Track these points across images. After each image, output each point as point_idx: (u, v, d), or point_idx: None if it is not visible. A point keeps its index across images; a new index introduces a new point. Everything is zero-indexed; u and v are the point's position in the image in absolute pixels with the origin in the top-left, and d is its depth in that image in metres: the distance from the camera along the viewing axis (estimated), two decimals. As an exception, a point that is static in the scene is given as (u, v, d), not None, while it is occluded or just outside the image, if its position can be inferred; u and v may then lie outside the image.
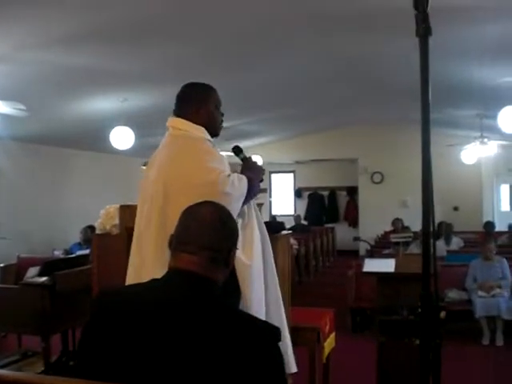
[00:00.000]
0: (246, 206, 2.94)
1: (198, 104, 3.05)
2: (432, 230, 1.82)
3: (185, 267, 1.83)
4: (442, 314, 1.74)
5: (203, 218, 1.91)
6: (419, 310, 1.77)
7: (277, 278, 3.10)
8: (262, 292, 2.93)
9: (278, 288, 3.09)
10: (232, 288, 2.75)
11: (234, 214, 2.74)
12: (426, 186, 1.81)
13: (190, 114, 3.03)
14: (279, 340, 1.76)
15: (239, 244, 2.85)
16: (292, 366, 3.06)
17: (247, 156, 3.20)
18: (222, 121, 3.21)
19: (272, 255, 3.09)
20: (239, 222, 2.86)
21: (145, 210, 2.95)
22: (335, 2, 5.37)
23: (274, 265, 3.09)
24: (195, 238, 1.86)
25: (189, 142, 2.98)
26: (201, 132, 3.01)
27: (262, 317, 2.83)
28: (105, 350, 1.74)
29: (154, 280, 1.89)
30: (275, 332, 1.77)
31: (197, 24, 5.79)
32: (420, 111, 2.00)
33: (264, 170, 3.15)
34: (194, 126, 3.00)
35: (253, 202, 3.06)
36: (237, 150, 3.23)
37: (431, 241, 1.82)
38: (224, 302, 1.84)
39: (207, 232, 1.88)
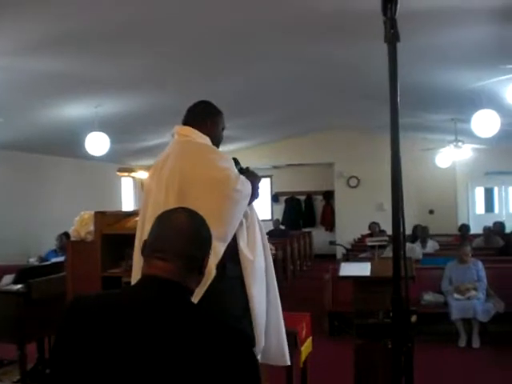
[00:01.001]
0: (248, 208, 3.17)
1: (209, 119, 3.33)
2: (403, 234, 1.83)
3: (159, 274, 1.81)
4: (414, 318, 1.75)
5: (178, 224, 1.89)
6: (391, 314, 1.78)
7: (275, 277, 3.32)
8: (264, 289, 3.16)
9: (276, 285, 3.31)
10: (239, 282, 3.02)
11: (242, 212, 3.05)
12: (395, 189, 1.82)
13: (200, 125, 3.27)
14: (253, 346, 1.76)
15: (244, 240, 3.06)
16: (288, 359, 3.30)
17: (243, 167, 3.40)
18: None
19: (271, 255, 3.31)
20: (243, 221, 3.12)
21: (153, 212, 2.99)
22: (306, 9, 5.39)
23: (272, 264, 3.31)
24: (170, 245, 1.84)
25: (198, 145, 3.23)
26: (207, 140, 3.25)
27: (263, 312, 3.10)
28: (78, 357, 1.73)
29: (127, 287, 1.88)
30: (249, 338, 1.77)
31: (171, 31, 5.79)
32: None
33: (261, 177, 3.37)
34: (202, 134, 3.25)
35: (254, 206, 3.30)
36: (235, 162, 3.40)
37: (401, 245, 1.83)
38: (198, 309, 1.83)
39: (182, 239, 1.86)
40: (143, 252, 1.90)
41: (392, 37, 1.84)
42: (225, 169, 3.06)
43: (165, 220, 1.93)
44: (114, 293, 1.93)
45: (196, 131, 3.25)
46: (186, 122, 3.32)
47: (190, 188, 2.95)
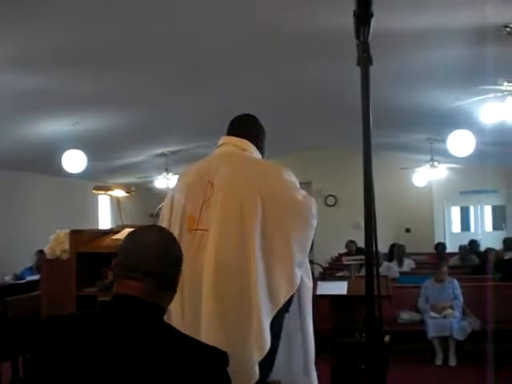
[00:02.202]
0: None
1: (261, 135, 3.19)
2: (376, 253, 1.83)
3: (130, 293, 1.79)
4: (387, 338, 1.75)
5: (149, 243, 1.86)
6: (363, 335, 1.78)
7: None
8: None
9: None
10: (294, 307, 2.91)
11: (312, 236, 2.84)
12: (368, 209, 1.84)
13: (253, 139, 3.10)
14: (227, 365, 1.75)
15: (305, 268, 2.92)
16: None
17: None
18: None
19: None
20: None
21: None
22: (281, 29, 5.43)
23: None
24: (141, 264, 1.82)
25: (268, 163, 3.11)
26: (260, 157, 3.12)
27: (311, 326, 3.01)
28: (51, 377, 1.71)
29: (99, 307, 1.86)
30: (223, 356, 1.76)
31: (149, 51, 5.80)
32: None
33: None
34: (257, 150, 3.10)
35: None
36: None
37: (374, 264, 1.83)
38: (171, 328, 1.82)
39: (153, 257, 1.83)
40: (114, 271, 1.88)
41: (365, 60, 1.84)
42: (307, 195, 2.90)
43: (134, 238, 1.90)
44: (86, 313, 1.91)
45: (253, 146, 3.05)
46: (238, 134, 3.06)
47: (274, 212, 2.73)
